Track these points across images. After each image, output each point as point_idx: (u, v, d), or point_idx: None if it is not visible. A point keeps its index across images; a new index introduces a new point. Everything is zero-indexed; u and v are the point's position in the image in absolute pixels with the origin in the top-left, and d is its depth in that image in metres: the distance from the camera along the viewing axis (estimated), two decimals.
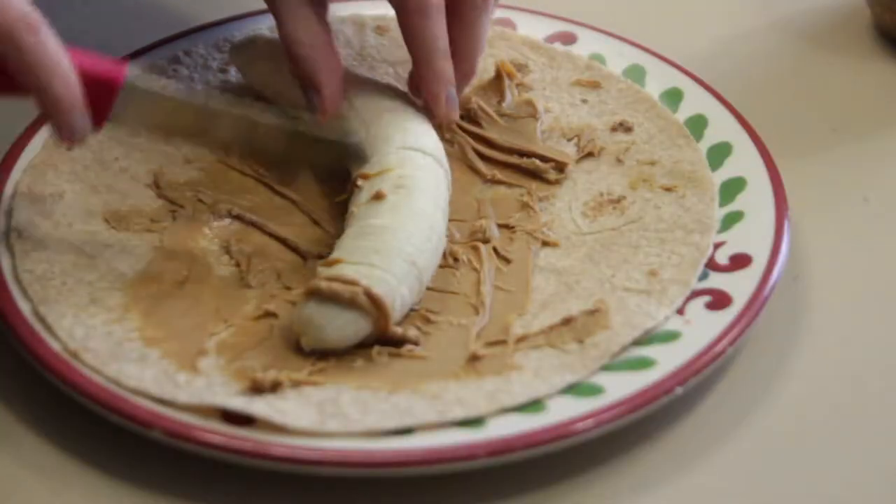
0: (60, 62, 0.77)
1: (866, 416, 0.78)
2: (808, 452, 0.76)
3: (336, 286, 0.76)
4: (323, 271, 0.78)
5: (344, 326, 0.76)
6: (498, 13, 1.01)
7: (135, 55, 0.96)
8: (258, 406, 0.73)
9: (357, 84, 0.90)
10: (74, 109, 0.78)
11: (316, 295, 0.76)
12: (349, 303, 0.76)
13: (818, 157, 0.95)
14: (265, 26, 0.97)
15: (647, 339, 0.78)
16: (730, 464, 0.75)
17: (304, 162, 0.88)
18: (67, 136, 0.78)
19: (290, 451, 0.72)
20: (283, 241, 0.85)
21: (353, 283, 0.76)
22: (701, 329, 0.78)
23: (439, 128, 0.90)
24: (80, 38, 0.81)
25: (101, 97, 0.79)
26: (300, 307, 0.77)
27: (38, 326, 0.77)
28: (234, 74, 0.96)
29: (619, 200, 0.88)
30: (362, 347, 0.77)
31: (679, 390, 0.75)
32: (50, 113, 0.78)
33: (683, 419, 0.77)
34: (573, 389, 0.75)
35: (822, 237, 0.88)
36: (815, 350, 0.81)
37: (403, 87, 0.92)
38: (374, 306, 0.76)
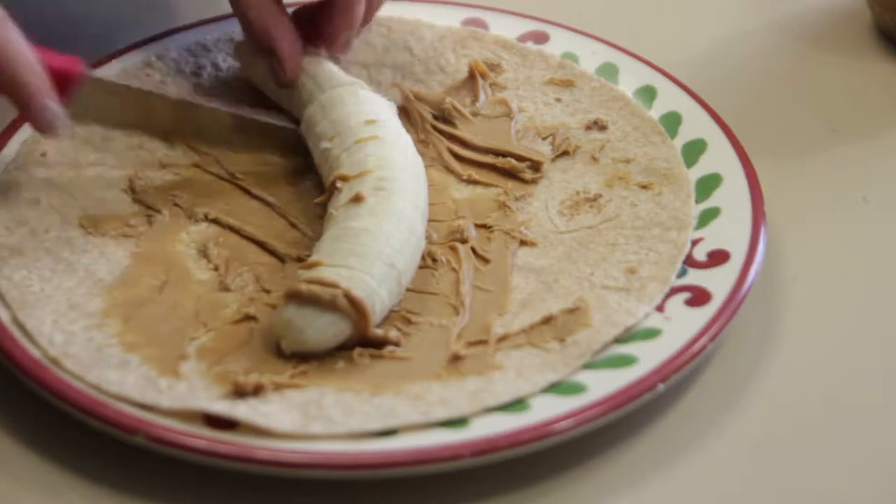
0: (24, 51, 0.79)
1: (855, 414, 0.78)
2: (789, 449, 0.76)
3: (315, 289, 0.76)
4: (302, 274, 0.78)
5: (324, 329, 0.76)
6: (470, 13, 1.01)
7: (107, 59, 0.95)
8: (241, 410, 0.73)
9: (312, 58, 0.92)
10: (43, 94, 0.80)
11: (296, 298, 0.76)
12: (329, 305, 0.76)
13: (818, 157, 0.95)
14: (236, 30, 0.96)
15: (627, 336, 0.78)
16: (712, 460, 0.75)
17: (248, 146, 0.91)
18: (44, 124, 0.80)
19: (274, 454, 0.71)
20: (261, 244, 0.85)
21: (332, 285, 0.76)
22: (681, 325, 0.78)
23: (413, 128, 0.91)
24: (51, 44, 0.81)
25: (62, 87, 0.81)
26: (280, 310, 0.77)
27: (17, 333, 0.77)
28: (206, 78, 0.96)
29: (595, 199, 0.88)
30: (344, 349, 0.77)
31: (661, 387, 0.75)
32: (20, 101, 0.79)
33: (665, 416, 0.77)
34: (555, 388, 0.75)
35: (821, 237, 0.88)
36: (816, 350, 0.81)
37: (375, 88, 0.92)
38: (354, 308, 0.76)
